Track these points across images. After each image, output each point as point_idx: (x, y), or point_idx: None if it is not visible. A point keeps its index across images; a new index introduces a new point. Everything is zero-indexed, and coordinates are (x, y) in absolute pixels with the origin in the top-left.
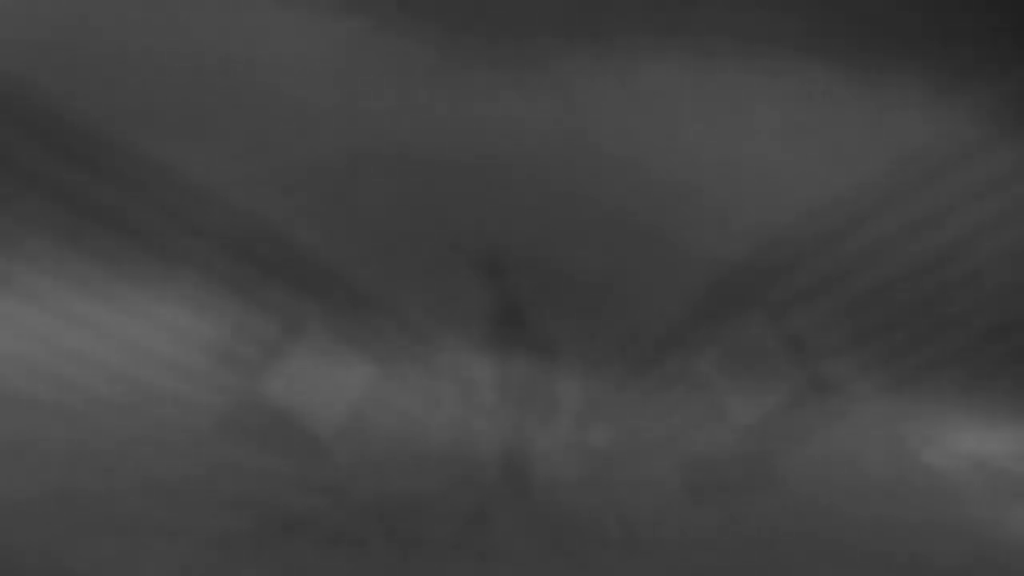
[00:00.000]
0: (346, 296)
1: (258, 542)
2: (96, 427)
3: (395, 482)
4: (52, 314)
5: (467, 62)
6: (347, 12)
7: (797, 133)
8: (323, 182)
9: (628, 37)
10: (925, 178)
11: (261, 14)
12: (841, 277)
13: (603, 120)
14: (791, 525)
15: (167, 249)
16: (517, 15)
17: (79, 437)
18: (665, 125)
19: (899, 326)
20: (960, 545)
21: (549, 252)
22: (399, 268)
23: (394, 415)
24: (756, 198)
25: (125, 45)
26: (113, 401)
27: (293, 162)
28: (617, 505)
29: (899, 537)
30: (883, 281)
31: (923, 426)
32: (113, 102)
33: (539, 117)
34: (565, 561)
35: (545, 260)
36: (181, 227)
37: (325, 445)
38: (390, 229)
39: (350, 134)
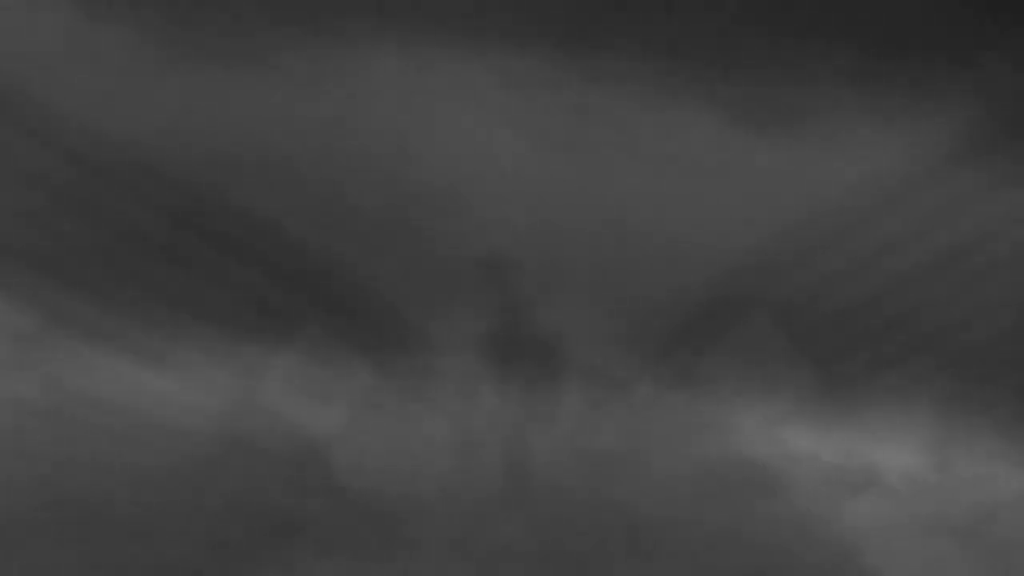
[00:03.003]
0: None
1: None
2: None
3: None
4: None
5: (193, 57)
6: (65, 3)
7: (520, 120)
8: (52, 177)
9: (355, 30)
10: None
11: None
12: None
13: (330, 113)
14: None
15: None
16: (240, 9)
17: None
18: (391, 115)
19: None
20: (794, 539)
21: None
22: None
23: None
24: (485, 189)
25: None
26: None
27: (12, 157)
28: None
29: (732, 532)
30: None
31: (756, 424)
32: None
33: (267, 110)
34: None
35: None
36: None
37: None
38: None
39: (74, 132)
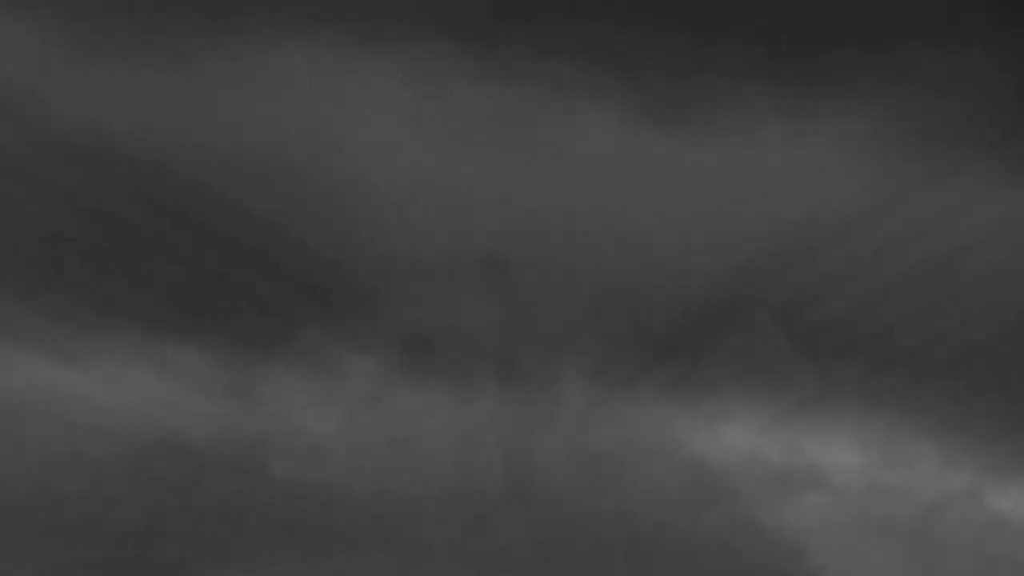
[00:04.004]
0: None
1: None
2: None
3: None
4: None
5: (105, 57)
6: None
7: (419, 112)
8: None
9: (268, 29)
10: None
11: None
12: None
13: (242, 110)
14: (555, 526)
15: None
16: (150, 9)
17: None
18: (303, 112)
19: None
20: (736, 538)
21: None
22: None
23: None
24: (384, 182)
25: None
26: None
27: None
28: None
29: (675, 531)
30: None
31: (698, 423)
32: None
33: (180, 108)
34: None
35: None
36: None
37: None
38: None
39: None
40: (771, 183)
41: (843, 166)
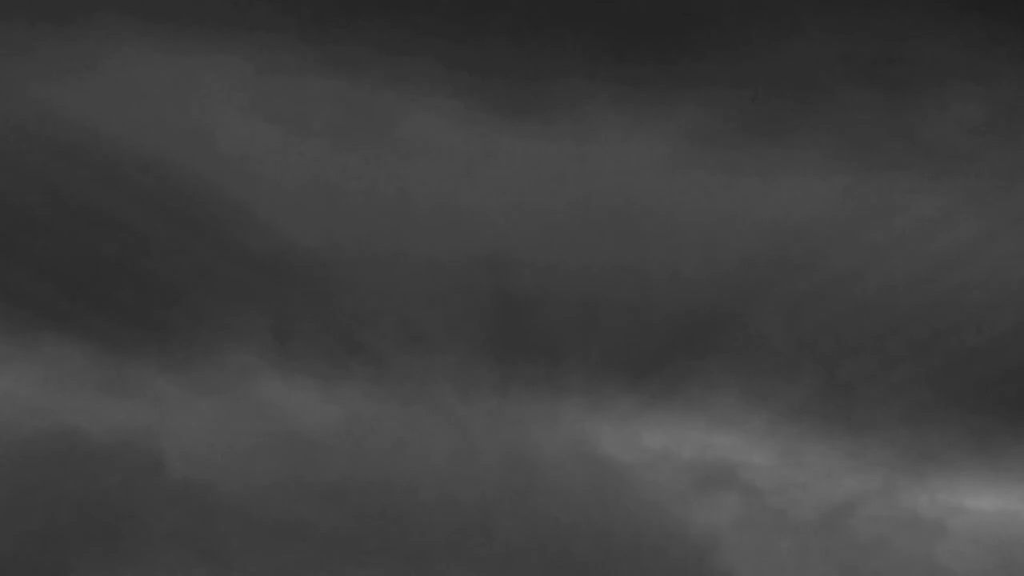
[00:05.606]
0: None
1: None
2: None
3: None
4: None
5: None
6: None
7: (264, 107)
8: None
9: (112, 23)
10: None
11: None
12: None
13: (88, 104)
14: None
15: None
16: None
17: None
18: (149, 103)
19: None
20: (647, 536)
21: None
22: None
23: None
24: (225, 172)
25: None
26: None
27: None
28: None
29: (587, 531)
30: None
31: (612, 420)
32: None
33: (24, 101)
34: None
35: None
36: None
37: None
38: None
39: None
40: (617, 177)
41: (692, 158)
